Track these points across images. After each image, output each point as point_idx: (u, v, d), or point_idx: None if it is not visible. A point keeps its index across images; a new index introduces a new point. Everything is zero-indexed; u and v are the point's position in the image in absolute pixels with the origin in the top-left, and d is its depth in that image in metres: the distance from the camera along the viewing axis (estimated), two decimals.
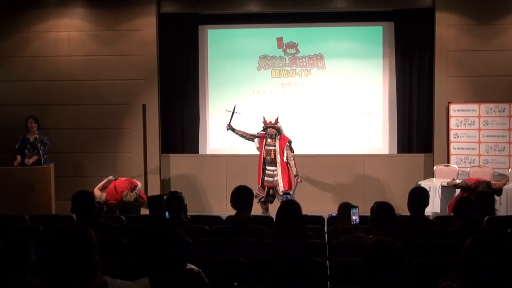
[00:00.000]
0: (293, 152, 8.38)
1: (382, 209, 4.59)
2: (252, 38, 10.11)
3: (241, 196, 5.38)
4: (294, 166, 8.28)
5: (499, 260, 2.82)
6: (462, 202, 5.16)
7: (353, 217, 4.99)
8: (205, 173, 9.89)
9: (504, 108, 8.99)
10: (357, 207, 5.08)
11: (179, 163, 9.95)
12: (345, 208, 5.12)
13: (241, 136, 8.65)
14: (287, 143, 8.34)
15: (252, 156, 8.95)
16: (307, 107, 9.99)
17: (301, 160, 8.51)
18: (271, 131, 8.38)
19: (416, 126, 9.80)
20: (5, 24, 9.68)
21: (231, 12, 9.87)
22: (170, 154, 9.97)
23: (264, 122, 8.48)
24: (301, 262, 2.90)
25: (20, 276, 3.29)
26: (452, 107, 9.23)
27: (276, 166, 8.32)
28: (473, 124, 9.08)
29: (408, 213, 5.37)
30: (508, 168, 8.72)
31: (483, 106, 9.09)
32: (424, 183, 8.46)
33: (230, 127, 8.62)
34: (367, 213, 4.84)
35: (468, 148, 9.12)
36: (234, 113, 8.70)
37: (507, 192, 8.06)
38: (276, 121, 8.44)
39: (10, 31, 9.71)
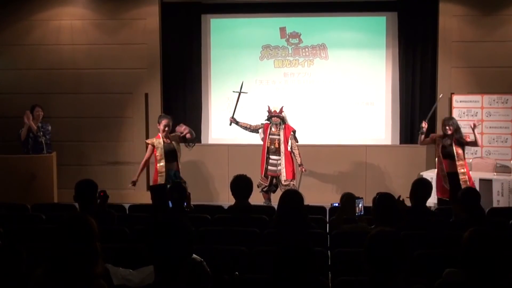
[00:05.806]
0: (297, 142, 8.36)
1: (384, 199, 4.61)
2: (255, 28, 10.08)
3: (239, 185, 5.47)
4: (298, 155, 8.25)
5: (497, 250, 2.83)
6: (467, 193, 5.15)
7: (358, 208, 4.99)
8: (207, 163, 9.88)
9: (507, 100, 8.96)
10: (361, 198, 5.07)
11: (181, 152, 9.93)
12: (349, 199, 5.11)
13: (245, 128, 8.60)
14: (292, 133, 8.29)
15: (254, 146, 8.94)
16: (309, 97, 9.96)
17: (302, 150, 8.48)
18: (276, 120, 8.33)
19: (419, 117, 9.76)
20: (7, 12, 9.65)
21: (234, 1, 9.84)
22: None
23: (269, 111, 8.43)
24: (302, 251, 2.91)
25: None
26: (455, 98, 9.21)
27: (280, 155, 8.29)
28: (476, 115, 9.05)
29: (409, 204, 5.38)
30: (511, 160, 8.71)
31: (486, 97, 9.06)
32: (426, 174, 8.45)
33: (233, 120, 8.57)
34: (369, 203, 4.85)
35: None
36: (241, 94, 8.65)
37: (509, 184, 8.06)
38: (281, 110, 8.38)
39: (12, 19, 9.69)
